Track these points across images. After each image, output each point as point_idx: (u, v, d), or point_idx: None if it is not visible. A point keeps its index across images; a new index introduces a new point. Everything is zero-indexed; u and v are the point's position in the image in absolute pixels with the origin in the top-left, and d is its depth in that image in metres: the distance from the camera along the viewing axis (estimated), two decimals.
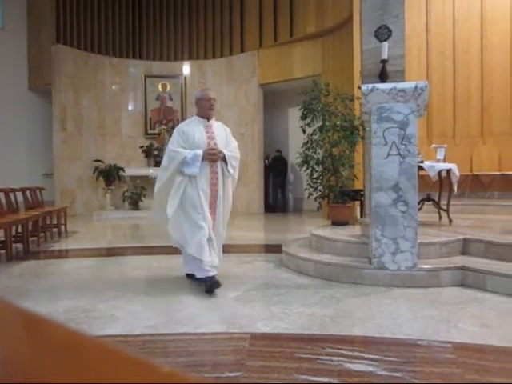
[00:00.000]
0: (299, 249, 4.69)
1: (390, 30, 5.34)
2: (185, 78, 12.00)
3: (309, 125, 5.55)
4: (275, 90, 11.36)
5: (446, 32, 8.11)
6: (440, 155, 5.14)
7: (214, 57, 11.97)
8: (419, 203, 5.14)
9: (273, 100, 11.86)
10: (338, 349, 2.37)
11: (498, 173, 7.43)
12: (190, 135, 3.64)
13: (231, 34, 11.70)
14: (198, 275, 3.62)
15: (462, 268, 3.61)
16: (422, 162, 5.08)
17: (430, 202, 5.25)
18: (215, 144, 3.66)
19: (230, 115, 11.27)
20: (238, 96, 11.36)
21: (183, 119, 11.75)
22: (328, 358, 2.29)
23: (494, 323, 2.74)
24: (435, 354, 2.31)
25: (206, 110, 3.72)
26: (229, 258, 5.13)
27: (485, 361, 2.22)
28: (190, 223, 3.56)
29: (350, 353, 2.31)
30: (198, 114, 3.79)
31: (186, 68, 12.05)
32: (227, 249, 5.80)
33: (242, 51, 11.44)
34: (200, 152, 3.56)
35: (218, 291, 3.63)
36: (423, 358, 2.28)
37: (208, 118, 3.74)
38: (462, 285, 3.58)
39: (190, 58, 12.22)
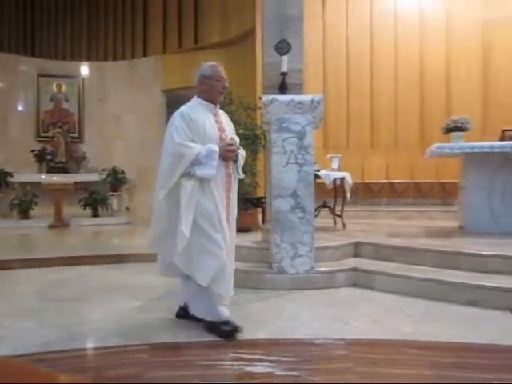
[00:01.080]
0: None
1: (289, 45, 5.60)
2: (83, 79, 11.40)
3: None
4: (180, 96, 11.24)
5: (340, 51, 8.71)
6: (335, 164, 5.49)
7: (114, 59, 11.54)
8: (316, 209, 5.42)
9: (178, 106, 11.75)
10: (240, 353, 2.42)
11: (386, 181, 8.12)
12: (200, 125, 2.77)
13: (133, 37, 11.39)
14: (209, 318, 2.76)
15: (354, 269, 3.89)
16: (318, 170, 5.38)
17: (326, 209, 5.58)
18: (226, 137, 2.87)
19: (131, 120, 10.94)
20: (141, 101, 11.06)
21: (81, 122, 11.15)
22: (229, 363, 2.32)
23: (382, 319, 2.98)
24: (329, 351, 2.46)
25: (217, 94, 2.87)
26: (129, 268, 4.96)
27: (374, 354, 2.41)
28: (205, 244, 2.68)
29: (250, 356, 2.37)
30: (202, 97, 2.88)
31: (85, 69, 11.46)
32: (128, 258, 5.62)
33: (145, 55, 11.19)
34: (217, 148, 2.73)
35: (117, 301, 3.49)
36: (319, 356, 2.41)
37: (216, 104, 2.92)
38: (355, 285, 3.85)
39: (88, 58, 11.65)
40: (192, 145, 2.70)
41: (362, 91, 8.57)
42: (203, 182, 2.71)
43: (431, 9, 8.26)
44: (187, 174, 2.69)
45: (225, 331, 2.66)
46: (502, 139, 5.38)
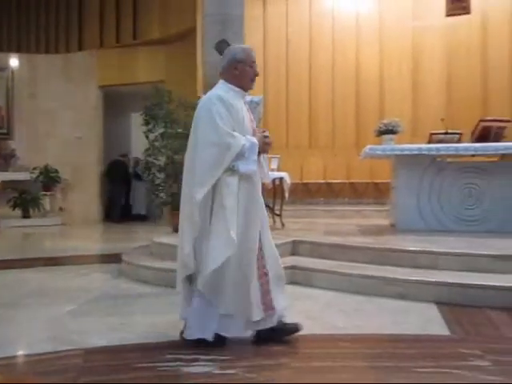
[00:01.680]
0: (140, 257, 4.60)
1: (229, 45, 5.60)
2: (12, 71, 10.75)
3: (151, 131, 5.51)
4: (118, 93, 10.94)
5: (280, 52, 8.87)
6: (274, 164, 5.58)
7: (47, 52, 10.99)
8: None
9: (115, 103, 11.40)
10: (178, 354, 2.39)
11: (324, 181, 8.38)
12: (239, 113, 2.45)
13: (68, 30, 10.90)
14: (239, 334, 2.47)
15: (293, 267, 3.97)
16: None
17: (266, 208, 5.64)
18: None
19: (65, 117, 10.45)
20: (75, 97, 10.61)
21: (10, 118, 10.50)
22: (166, 364, 2.29)
23: (318, 315, 3.08)
24: (267, 349, 2.50)
25: (249, 81, 2.54)
26: (63, 271, 4.76)
27: (309, 349, 2.48)
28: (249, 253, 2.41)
29: (188, 356, 2.35)
30: (234, 83, 2.50)
31: (14, 61, 10.81)
32: (61, 261, 5.38)
33: (80, 49, 10.75)
34: (256, 140, 2.44)
35: (50, 306, 3.34)
36: (255, 353, 2.44)
37: (247, 92, 2.61)
38: (293, 283, 3.92)
39: (19, 50, 11.01)
40: (237, 134, 2.37)
41: (301, 93, 8.78)
42: (248, 181, 2.40)
43: (366, 14, 8.62)
44: (230, 170, 2.34)
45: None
46: (429, 142, 5.69)
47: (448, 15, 8.10)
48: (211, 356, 2.34)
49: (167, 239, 4.79)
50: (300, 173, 8.48)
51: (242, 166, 2.36)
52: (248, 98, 3.82)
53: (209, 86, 5.52)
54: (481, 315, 3.00)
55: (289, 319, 2.93)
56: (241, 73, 2.50)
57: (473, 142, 5.07)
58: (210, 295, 2.37)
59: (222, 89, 2.50)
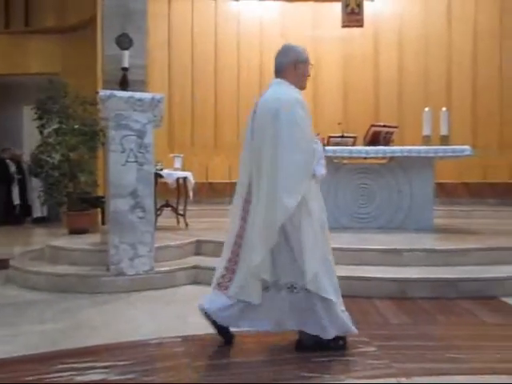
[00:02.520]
0: (30, 262, 4.28)
1: (131, 40, 5.43)
2: None
3: (44, 126, 5.13)
4: (7, 83, 10.04)
5: (185, 49, 8.77)
6: (177, 164, 5.52)
7: None
8: (159, 209, 5.38)
9: (4, 95, 10.45)
10: (70, 363, 2.27)
11: (229, 181, 8.45)
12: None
13: None
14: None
15: (195, 267, 3.98)
16: (161, 169, 5.34)
17: (169, 208, 5.58)
18: None
19: None
20: None
21: None
22: (58, 374, 2.16)
23: None
24: (167, 350, 2.47)
25: (306, 81, 2.52)
26: None
27: (209, 347, 2.49)
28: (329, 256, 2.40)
29: (81, 365, 2.24)
30: (295, 84, 2.45)
31: None
32: None
33: None
34: (321, 146, 2.46)
35: None
36: (155, 356, 2.41)
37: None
38: (195, 283, 3.93)
39: None
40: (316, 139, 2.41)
41: (207, 92, 8.77)
42: (317, 185, 2.38)
43: (269, 20, 8.87)
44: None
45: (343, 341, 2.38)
46: (327, 144, 6.01)
47: (343, 26, 8.63)
48: (107, 362, 2.26)
49: (62, 242, 4.52)
50: (205, 172, 8.47)
51: (318, 170, 2.35)
52: (149, 95, 3.77)
53: (108, 81, 5.31)
54: (369, 305, 3.26)
55: (191, 319, 2.93)
56: (302, 73, 2.49)
57: (365, 145, 5.48)
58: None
59: (293, 90, 2.43)
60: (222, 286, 2.41)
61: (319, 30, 8.81)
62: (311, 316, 2.28)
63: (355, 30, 8.65)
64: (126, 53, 5.27)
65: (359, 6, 8.59)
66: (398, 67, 8.70)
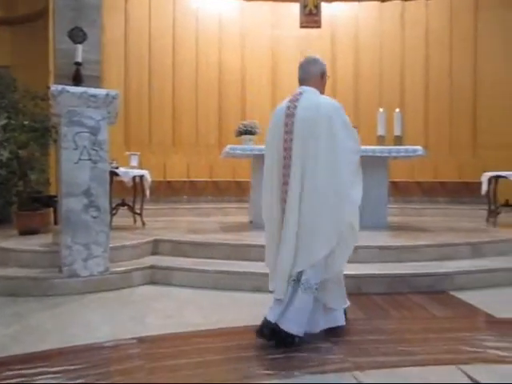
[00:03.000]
0: None
1: (85, 34, 5.26)
2: None
3: None
4: None
5: (143, 44, 8.59)
6: (134, 162, 5.41)
7: None
8: (114, 208, 5.26)
9: None
10: (19, 369, 2.18)
11: (187, 179, 8.37)
12: None
13: None
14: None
15: (152, 267, 3.91)
16: (117, 167, 5.22)
17: (126, 207, 5.45)
18: None
19: None
20: None
21: None
22: (7, 381, 2.07)
23: (176, 313, 3.07)
24: (121, 352, 2.42)
25: (324, 90, 2.77)
26: None
27: (164, 348, 2.46)
28: None
29: (31, 370, 2.16)
30: (320, 91, 2.68)
31: None
32: None
33: None
34: None
35: None
36: (109, 359, 2.35)
37: None
38: (152, 283, 3.87)
39: None
40: None
41: (164, 90, 8.64)
42: None
43: (229, 18, 8.83)
44: None
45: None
46: None
47: (302, 27, 8.73)
48: (59, 367, 2.19)
49: (12, 243, 4.32)
50: (163, 170, 8.35)
51: None
52: (103, 91, 3.67)
53: (61, 76, 5.12)
54: None
55: (147, 320, 2.89)
56: (325, 82, 2.75)
57: None
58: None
59: (328, 97, 2.67)
60: None
61: (278, 29, 8.88)
62: None
63: (313, 31, 8.78)
64: (80, 47, 5.10)
65: (317, 7, 8.73)
66: (354, 68, 8.90)
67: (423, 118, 8.66)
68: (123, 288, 3.69)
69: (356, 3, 8.86)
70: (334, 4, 8.84)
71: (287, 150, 2.51)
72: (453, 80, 8.59)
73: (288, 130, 2.52)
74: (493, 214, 5.97)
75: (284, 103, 2.65)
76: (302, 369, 2.14)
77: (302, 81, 2.71)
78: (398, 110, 5.73)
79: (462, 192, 8.06)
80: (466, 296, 3.44)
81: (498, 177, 5.90)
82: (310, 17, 8.65)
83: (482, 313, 3.11)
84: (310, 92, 2.63)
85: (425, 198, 8.13)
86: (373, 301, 3.31)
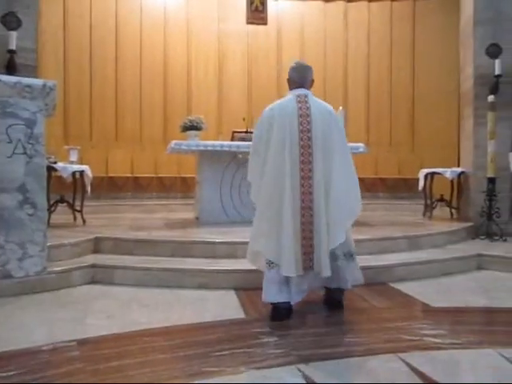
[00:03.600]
0: None
1: (19, 20, 4.98)
2: None
3: None
4: None
5: (83, 33, 8.23)
6: (73, 157, 5.18)
7: None
8: (53, 205, 5.02)
9: None
10: None
11: (131, 175, 8.14)
12: None
13: None
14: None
15: (93, 266, 3.76)
16: (55, 162, 4.98)
17: (65, 204, 5.22)
18: None
19: None
20: None
21: None
22: None
23: (119, 313, 2.98)
24: (59, 356, 2.31)
25: None
26: None
27: (107, 349, 2.37)
28: None
29: None
30: None
31: None
32: None
33: None
34: None
35: None
36: (47, 363, 2.23)
37: None
38: (93, 282, 3.72)
39: None
40: None
41: (106, 82, 8.34)
42: None
43: (174, 12, 8.67)
44: None
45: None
46: (232, 139, 6.06)
47: (248, 23, 8.75)
48: None
49: None
50: (105, 166, 8.07)
51: None
52: (40, 81, 3.48)
53: None
54: None
55: (88, 321, 2.79)
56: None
57: None
58: None
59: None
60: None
61: (224, 23, 8.82)
62: None
63: (260, 27, 8.81)
64: (14, 34, 4.83)
65: (263, 4, 8.77)
66: None
67: (365, 115, 8.96)
68: (62, 288, 3.52)
69: (301, 2, 9.00)
70: (280, 2, 8.92)
71: (305, 146, 2.74)
72: (392, 79, 8.96)
73: (304, 128, 2.76)
74: (428, 208, 6.30)
75: (289, 104, 2.84)
76: (247, 364, 2.15)
77: (299, 84, 2.94)
78: (341, 107, 5.86)
79: (401, 187, 8.44)
80: (404, 287, 3.60)
81: (433, 173, 6.23)
82: (257, 13, 8.69)
83: (419, 302, 3.27)
84: (312, 95, 2.93)
85: (366, 193, 8.41)
86: (317, 294, 3.38)
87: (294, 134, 2.75)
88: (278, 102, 2.95)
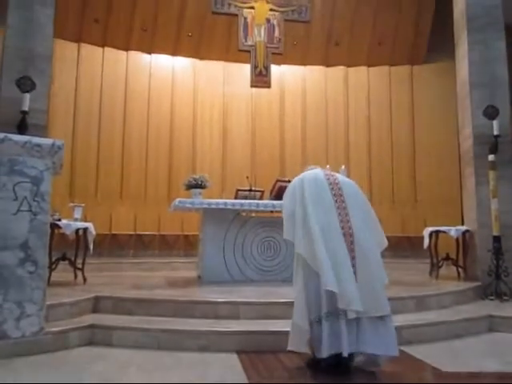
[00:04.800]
0: None
1: (33, 83, 5.20)
2: None
3: None
4: None
5: (93, 96, 8.55)
6: (77, 214, 5.20)
7: None
8: (54, 262, 4.97)
9: None
10: None
11: (134, 233, 8.13)
12: None
13: None
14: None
15: (91, 326, 3.65)
16: (59, 219, 5.00)
17: (67, 261, 5.17)
18: None
19: None
20: None
21: None
22: None
23: (115, 377, 2.86)
24: None
25: None
26: None
27: None
28: None
29: None
30: None
31: None
32: None
33: None
34: None
35: None
36: None
37: None
38: (91, 343, 3.60)
39: None
40: None
41: (113, 141, 8.57)
42: None
43: (181, 74, 9.06)
44: None
45: None
46: (235, 198, 6.09)
47: (252, 86, 9.08)
48: None
49: None
50: (109, 223, 8.08)
51: None
52: (49, 141, 3.56)
53: (5, 123, 4.95)
54: (275, 360, 3.21)
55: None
56: None
57: (271, 199, 5.64)
58: None
59: None
60: None
61: (229, 86, 9.18)
62: None
63: (263, 90, 9.15)
64: (27, 96, 5.03)
65: (267, 68, 9.14)
66: (302, 126, 9.29)
67: (367, 174, 9.06)
68: (59, 350, 3.40)
69: (303, 67, 9.41)
70: (283, 66, 9.32)
71: (340, 208, 3.15)
72: (393, 139, 9.16)
73: (336, 192, 3.21)
74: (435, 267, 6.19)
75: (318, 174, 3.30)
76: None
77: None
78: (343, 166, 5.94)
79: (405, 246, 8.36)
80: (413, 350, 3.46)
81: (438, 231, 6.18)
82: (260, 77, 9.02)
83: (429, 367, 3.13)
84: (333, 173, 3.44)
85: None
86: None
87: (327, 196, 3.16)
88: (305, 172, 3.37)
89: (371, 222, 3.36)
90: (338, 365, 2.83)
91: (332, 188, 3.22)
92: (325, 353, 2.75)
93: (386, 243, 3.48)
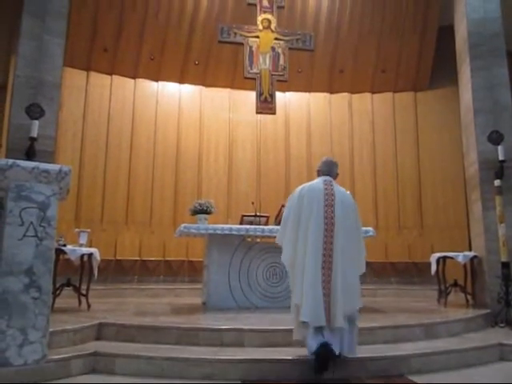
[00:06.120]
0: None
1: (42, 110, 5.29)
2: None
3: None
4: None
5: (101, 123, 8.67)
6: (82, 240, 5.21)
7: None
8: (58, 288, 4.95)
9: None
10: None
11: (138, 258, 8.10)
12: None
13: None
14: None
15: (94, 354, 3.60)
16: (64, 245, 5.00)
17: (71, 287, 5.14)
18: None
19: None
20: None
21: None
22: None
23: None
24: None
25: None
26: None
27: None
28: None
29: None
30: None
31: None
32: None
33: None
34: None
35: None
36: None
37: None
38: (94, 371, 3.54)
39: None
40: None
41: (120, 167, 8.63)
42: None
43: (187, 102, 9.18)
44: None
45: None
46: (241, 223, 6.09)
47: (257, 113, 9.19)
48: None
49: None
50: (114, 249, 8.06)
51: None
52: (56, 166, 3.59)
53: (13, 149, 5.02)
54: None
55: None
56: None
57: (276, 224, 5.62)
58: None
59: None
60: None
61: (235, 113, 9.29)
62: None
63: (268, 116, 9.25)
64: (36, 123, 5.11)
65: (272, 96, 9.26)
66: (307, 152, 9.34)
67: (372, 200, 9.04)
68: (61, 378, 3.34)
69: (308, 93, 9.53)
70: (288, 93, 9.44)
71: (328, 218, 3.41)
72: (398, 165, 9.17)
73: (328, 203, 3.46)
74: (443, 294, 6.09)
75: (317, 184, 3.56)
76: None
77: (326, 173, 3.68)
78: (348, 192, 5.94)
79: (412, 272, 8.26)
80: (423, 379, 3.37)
81: (445, 257, 6.11)
82: (265, 104, 9.13)
83: None
84: (335, 183, 3.65)
85: (375, 278, 8.22)
86: None
87: (320, 206, 3.42)
88: (309, 183, 3.64)
89: (355, 245, 3.53)
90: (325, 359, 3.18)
91: (326, 198, 3.48)
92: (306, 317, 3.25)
93: (363, 270, 3.60)
